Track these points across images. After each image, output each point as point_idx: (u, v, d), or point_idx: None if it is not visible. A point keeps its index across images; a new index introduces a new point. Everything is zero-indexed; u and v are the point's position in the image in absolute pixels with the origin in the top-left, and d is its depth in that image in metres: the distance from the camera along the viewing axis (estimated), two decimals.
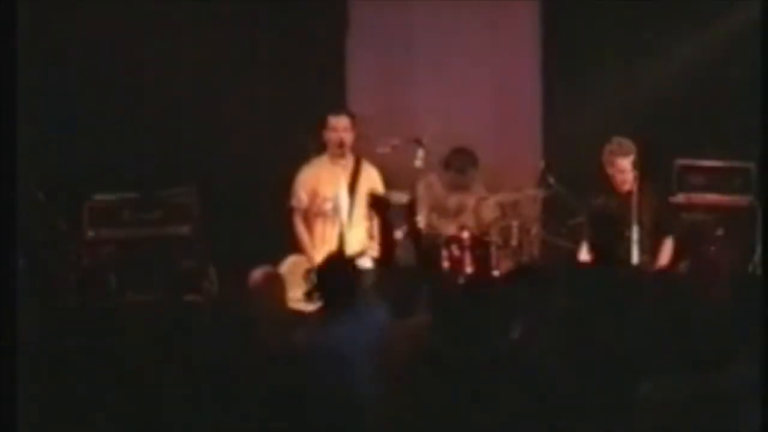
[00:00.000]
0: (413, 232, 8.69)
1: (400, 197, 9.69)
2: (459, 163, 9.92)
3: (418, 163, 9.79)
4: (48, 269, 9.31)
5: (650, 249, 9.04)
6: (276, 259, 9.14)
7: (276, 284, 7.25)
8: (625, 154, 9.08)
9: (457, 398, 5.23)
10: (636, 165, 9.06)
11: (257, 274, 7.25)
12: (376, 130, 9.94)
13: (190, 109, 10.66)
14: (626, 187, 9.06)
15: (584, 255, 8.73)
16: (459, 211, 9.96)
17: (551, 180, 10.03)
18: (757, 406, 4.97)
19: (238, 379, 5.77)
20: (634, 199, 8.90)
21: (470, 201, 9.97)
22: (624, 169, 9.06)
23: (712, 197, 10.37)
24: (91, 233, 10.08)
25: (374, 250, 9.05)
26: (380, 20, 11.03)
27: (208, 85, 10.69)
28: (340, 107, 9.69)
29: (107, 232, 10.12)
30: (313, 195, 9.28)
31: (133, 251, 10.04)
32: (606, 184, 9.17)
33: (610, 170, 9.15)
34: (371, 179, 9.35)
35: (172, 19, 10.61)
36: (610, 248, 7.86)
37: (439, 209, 9.96)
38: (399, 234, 9.18)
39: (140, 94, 10.63)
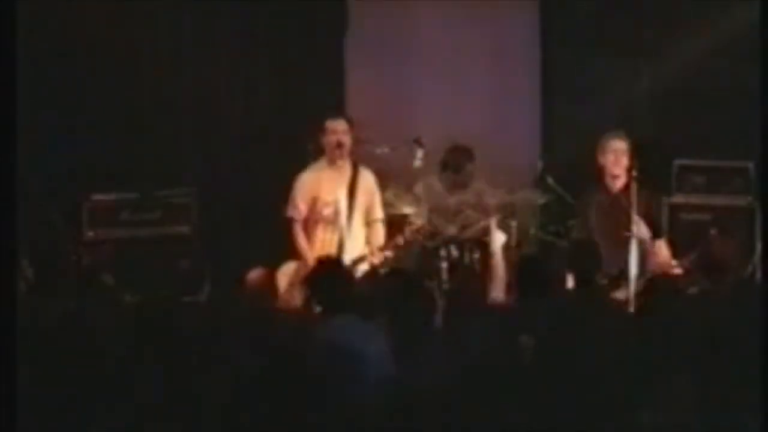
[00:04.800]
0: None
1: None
2: (455, 162, 9.89)
3: (418, 163, 9.78)
4: (48, 269, 9.31)
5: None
6: (275, 259, 9.16)
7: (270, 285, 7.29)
8: (619, 137, 9.09)
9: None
10: (632, 156, 9.08)
11: (253, 275, 7.26)
12: (375, 131, 9.93)
13: (189, 109, 10.68)
14: (617, 171, 9.07)
15: None
16: (459, 212, 9.93)
17: (550, 180, 10.03)
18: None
19: (237, 379, 5.78)
20: (633, 198, 8.90)
21: (470, 199, 9.94)
22: (617, 148, 9.03)
23: (711, 197, 10.37)
24: (90, 233, 10.08)
25: (374, 256, 9.08)
26: (380, 20, 11.02)
27: (208, 86, 10.70)
28: (338, 110, 9.68)
29: (106, 232, 10.12)
30: (313, 202, 9.24)
31: (132, 251, 10.04)
32: (601, 182, 9.22)
33: (602, 159, 9.17)
34: (368, 183, 9.34)
35: (172, 20, 10.63)
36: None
37: (439, 210, 9.93)
38: (400, 239, 9.21)
39: (140, 95, 10.64)
